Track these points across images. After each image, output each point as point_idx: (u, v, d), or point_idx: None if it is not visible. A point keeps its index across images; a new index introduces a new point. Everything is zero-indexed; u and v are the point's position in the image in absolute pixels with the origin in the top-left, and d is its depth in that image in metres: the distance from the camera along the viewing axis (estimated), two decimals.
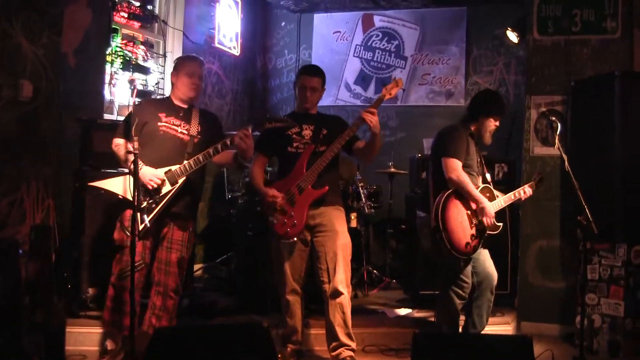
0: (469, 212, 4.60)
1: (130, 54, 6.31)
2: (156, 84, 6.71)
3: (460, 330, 4.86)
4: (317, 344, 5.02)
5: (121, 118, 5.74)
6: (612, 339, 5.21)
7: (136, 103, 4.40)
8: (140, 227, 4.21)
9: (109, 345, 4.46)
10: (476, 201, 4.59)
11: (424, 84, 8.66)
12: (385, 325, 5.49)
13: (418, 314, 5.77)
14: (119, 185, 4.35)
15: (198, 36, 7.54)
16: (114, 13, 6.08)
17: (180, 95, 4.55)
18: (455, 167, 4.53)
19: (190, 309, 5.40)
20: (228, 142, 4.27)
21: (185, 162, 4.32)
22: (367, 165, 6.09)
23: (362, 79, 8.92)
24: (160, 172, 4.29)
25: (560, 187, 5.87)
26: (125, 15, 6.37)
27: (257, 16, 9.15)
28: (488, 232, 4.66)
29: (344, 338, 4.56)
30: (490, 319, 4.98)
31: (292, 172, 4.55)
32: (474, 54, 8.48)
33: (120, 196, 4.34)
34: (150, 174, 4.25)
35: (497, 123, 4.76)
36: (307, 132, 4.66)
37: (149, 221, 4.24)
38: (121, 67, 6.13)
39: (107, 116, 5.99)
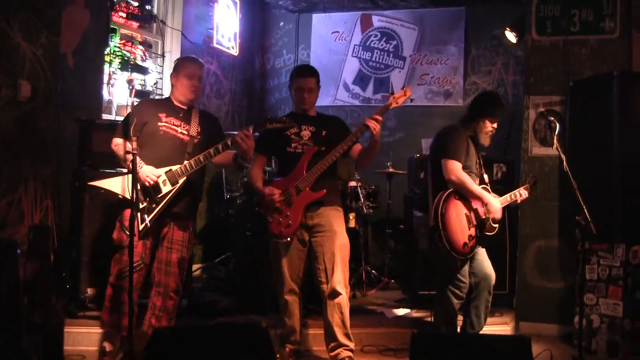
0: (467, 212, 4.60)
1: (128, 54, 6.31)
2: (154, 84, 6.70)
3: (458, 330, 4.86)
4: (315, 344, 5.02)
5: (120, 118, 5.74)
6: (611, 339, 5.21)
7: (135, 103, 4.41)
8: (141, 227, 4.21)
9: (107, 347, 4.45)
10: (480, 199, 4.60)
11: (423, 84, 8.66)
12: (384, 325, 5.49)
13: (416, 314, 5.77)
14: (118, 184, 4.35)
15: (196, 36, 7.54)
16: (113, 13, 6.08)
17: (179, 97, 4.55)
18: (455, 169, 4.53)
19: (188, 309, 5.40)
20: (229, 143, 4.27)
21: (186, 162, 4.32)
22: (364, 169, 6.08)
23: (361, 79, 8.92)
24: (159, 170, 4.29)
25: (559, 187, 5.88)
26: (124, 15, 6.37)
27: (256, 16, 9.15)
28: (485, 233, 4.67)
29: (342, 338, 4.56)
30: (489, 319, 4.98)
31: (291, 172, 4.55)
32: (473, 54, 8.48)
33: (120, 196, 4.34)
34: (149, 172, 4.25)
35: (495, 125, 4.75)
36: (306, 133, 4.66)
37: (150, 221, 4.24)
38: (119, 67, 6.13)
39: (105, 116, 5.99)
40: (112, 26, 6.05)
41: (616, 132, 5.32)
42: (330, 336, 4.59)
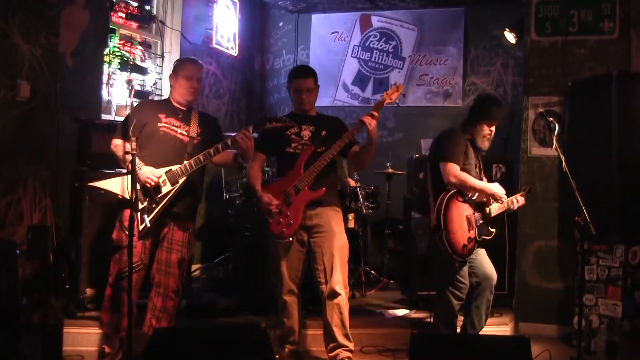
0: (468, 214, 4.61)
1: (127, 55, 6.31)
2: (154, 84, 6.70)
3: (458, 330, 4.86)
4: (314, 344, 5.02)
5: (119, 118, 5.75)
6: (610, 340, 5.21)
7: (135, 103, 4.41)
8: (141, 227, 4.20)
9: (107, 349, 4.45)
10: (483, 191, 4.61)
11: (422, 85, 8.66)
12: (383, 325, 5.49)
13: (416, 315, 5.77)
14: (118, 185, 4.35)
15: (196, 36, 7.54)
16: (112, 13, 6.07)
17: (178, 98, 4.55)
18: (453, 170, 4.53)
19: (188, 309, 5.40)
20: (229, 142, 4.27)
21: (186, 162, 4.32)
22: (363, 169, 6.08)
23: (360, 80, 8.92)
24: (159, 170, 4.29)
25: (558, 187, 5.88)
26: (123, 15, 6.37)
27: (255, 17, 9.15)
28: (482, 237, 4.68)
29: (341, 339, 4.55)
30: (488, 320, 4.97)
31: (290, 172, 4.55)
32: (472, 55, 8.48)
33: (119, 196, 4.34)
34: (148, 172, 4.24)
35: (492, 129, 4.75)
36: (306, 133, 4.66)
37: (150, 221, 4.24)
38: (119, 67, 6.13)
39: (104, 116, 5.99)
40: (111, 26, 6.05)
41: (615, 133, 5.32)
42: (329, 337, 4.59)
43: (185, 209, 4.47)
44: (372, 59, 8.88)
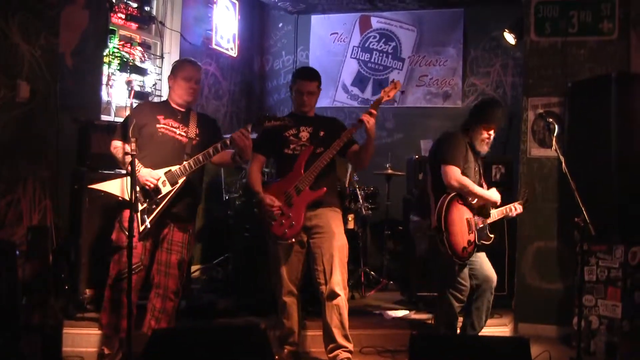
0: (468, 217, 4.61)
1: (127, 55, 6.31)
2: (153, 85, 6.70)
3: (458, 331, 4.86)
4: (314, 345, 5.02)
5: (118, 119, 5.74)
6: (610, 341, 5.21)
7: (134, 104, 4.40)
8: (141, 228, 4.20)
9: (106, 350, 4.45)
10: (481, 197, 4.61)
11: (422, 86, 8.67)
12: (383, 326, 5.49)
13: (415, 316, 5.77)
14: (117, 187, 4.35)
15: (195, 37, 7.54)
16: (112, 14, 6.07)
17: (176, 99, 4.55)
18: (454, 173, 4.52)
19: (187, 310, 5.39)
20: (227, 142, 4.27)
21: (185, 162, 4.32)
22: (363, 169, 6.08)
23: (360, 81, 8.92)
24: (158, 171, 4.29)
25: (558, 188, 5.88)
26: (123, 16, 6.37)
27: (255, 17, 9.15)
28: (481, 241, 4.68)
29: (341, 340, 4.55)
30: (488, 321, 4.97)
31: (289, 173, 4.55)
32: (471, 56, 8.49)
33: (119, 198, 4.34)
34: (148, 175, 4.25)
35: (491, 133, 4.73)
36: (305, 134, 4.66)
37: (149, 222, 4.24)
38: (118, 68, 6.13)
39: (104, 117, 5.99)
40: (111, 27, 6.05)
41: (615, 133, 5.32)
42: (328, 337, 4.58)
43: (185, 210, 4.47)
44: (372, 60, 8.88)
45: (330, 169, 4.62)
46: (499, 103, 5.18)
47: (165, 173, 4.31)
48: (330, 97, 8.88)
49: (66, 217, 5.29)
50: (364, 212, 6.59)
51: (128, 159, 3.96)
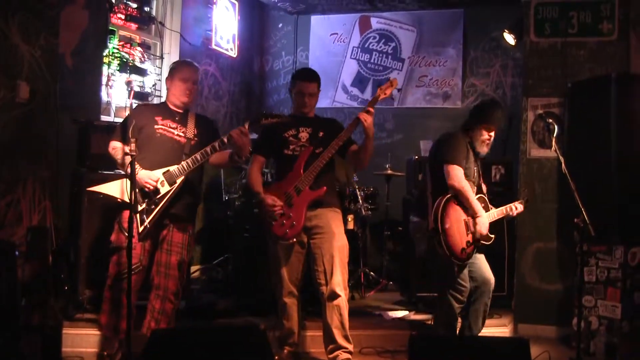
0: (466, 218, 4.60)
1: (127, 56, 6.31)
2: (153, 85, 6.70)
3: (457, 332, 4.86)
4: (314, 345, 5.02)
5: (118, 120, 5.74)
6: (609, 341, 5.21)
7: (134, 105, 4.40)
8: (141, 229, 4.20)
9: (106, 351, 4.45)
10: (474, 211, 4.60)
11: (421, 86, 8.67)
12: (382, 327, 5.49)
13: (415, 316, 5.77)
14: (116, 188, 4.35)
15: (195, 38, 7.54)
16: (111, 15, 6.06)
17: (174, 101, 4.56)
18: (457, 175, 4.52)
19: (187, 310, 5.39)
20: (225, 140, 4.27)
21: (183, 162, 4.32)
22: (363, 169, 6.09)
23: (359, 81, 8.92)
24: (156, 173, 4.29)
25: (557, 189, 5.88)
26: (123, 16, 6.36)
27: (254, 18, 9.15)
28: (481, 242, 4.68)
29: (341, 340, 4.55)
30: (487, 321, 4.97)
31: (289, 173, 4.55)
32: (471, 56, 8.49)
33: (118, 199, 4.33)
34: (146, 177, 4.25)
35: (491, 134, 4.73)
36: (304, 135, 4.66)
37: (149, 222, 4.24)
38: (118, 68, 6.12)
39: (104, 117, 5.99)
40: (110, 28, 6.05)
41: (614, 134, 5.32)
42: (329, 338, 4.58)
43: (185, 210, 4.47)
44: (372, 61, 8.88)
45: (329, 168, 4.62)
46: (499, 104, 5.17)
47: (164, 173, 4.31)
48: (330, 98, 8.88)
49: (66, 218, 5.29)
50: (363, 212, 6.59)
51: (128, 159, 3.96)
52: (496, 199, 4.93)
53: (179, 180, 4.32)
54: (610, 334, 5.20)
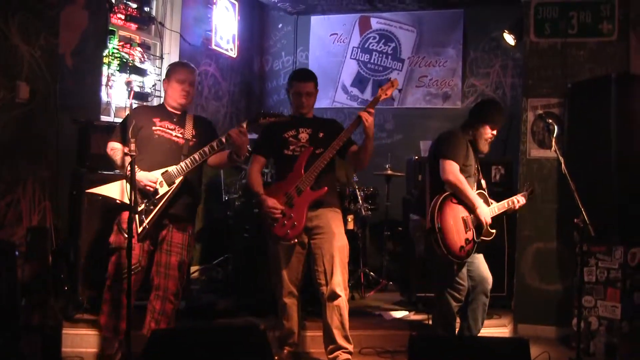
0: (464, 216, 4.60)
1: (127, 56, 6.30)
2: (153, 85, 6.70)
3: (456, 331, 4.86)
4: (313, 346, 5.02)
5: (118, 120, 5.74)
6: (609, 342, 5.21)
7: (134, 105, 4.40)
8: (140, 229, 4.20)
9: (105, 352, 4.45)
10: (472, 203, 4.60)
11: (421, 87, 8.67)
12: (382, 327, 5.49)
13: (415, 317, 5.77)
14: (115, 190, 4.34)
15: (195, 38, 7.54)
16: (111, 15, 6.06)
17: (171, 102, 4.56)
18: (453, 170, 4.53)
19: (187, 310, 5.39)
20: (223, 139, 4.28)
21: (182, 162, 4.32)
22: (363, 170, 6.09)
23: (359, 81, 8.91)
24: (155, 174, 4.29)
25: (557, 189, 5.88)
26: (122, 17, 6.36)
27: (254, 18, 9.15)
28: (482, 238, 4.67)
29: (341, 341, 4.55)
30: (487, 321, 4.98)
31: (290, 174, 4.55)
32: (471, 56, 8.49)
33: (117, 201, 4.33)
34: (145, 179, 4.25)
35: (494, 132, 4.75)
36: (304, 135, 4.66)
37: (148, 223, 4.24)
38: (118, 68, 6.12)
39: (104, 118, 5.99)
40: (110, 28, 6.05)
41: (614, 134, 5.33)
42: (329, 338, 4.58)
43: (184, 210, 4.47)
44: (371, 61, 8.88)
45: (329, 169, 4.62)
46: (500, 103, 5.20)
47: (162, 174, 4.31)
48: (330, 98, 8.88)
49: (65, 218, 5.29)
50: (363, 212, 6.59)
51: (127, 159, 3.96)
52: (496, 199, 4.92)
53: (177, 181, 4.33)
54: (610, 334, 5.21)
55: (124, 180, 4.27)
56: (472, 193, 4.60)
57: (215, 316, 5.46)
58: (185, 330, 4.07)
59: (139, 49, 6.55)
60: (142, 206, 4.26)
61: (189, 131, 4.51)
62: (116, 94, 6.20)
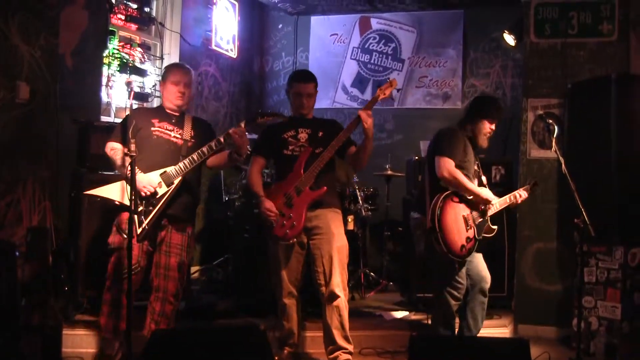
0: (465, 214, 4.60)
1: (127, 56, 6.31)
2: (153, 86, 6.69)
3: (456, 330, 4.85)
4: (313, 346, 5.02)
5: (118, 120, 5.74)
6: (609, 342, 5.21)
7: (134, 106, 4.40)
8: (139, 230, 4.20)
9: (105, 352, 4.45)
10: (472, 193, 4.59)
11: (421, 87, 8.67)
12: (382, 327, 5.49)
13: (415, 317, 5.77)
14: (115, 191, 4.33)
15: (195, 38, 7.54)
16: (111, 15, 6.06)
17: (168, 104, 4.57)
18: (447, 166, 4.50)
19: (187, 311, 5.39)
20: (221, 139, 4.28)
21: (180, 163, 4.32)
22: (362, 170, 6.08)
23: (359, 82, 8.92)
24: (155, 176, 4.29)
25: (557, 189, 5.88)
26: (123, 17, 6.36)
27: (254, 18, 9.15)
28: (483, 235, 4.67)
29: (341, 341, 4.55)
30: (487, 322, 4.98)
31: (289, 174, 4.55)
32: (471, 57, 8.49)
33: (117, 202, 4.32)
34: (145, 181, 4.25)
35: (493, 127, 4.75)
36: (303, 136, 4.66)
37: (147, 223, 4.24)
38: (118, 69, 6.12)
39: (104, 118, 5.99)
40: (110, 28, 6.05)
41: (614, 134, 5.32)
42: (329, 339, 4.58)
43: (183, 211, 4.47)
44: (372, 61, 8.88)
45: (329, 169, 4.62)
46: (496, 98, 5.21)
47: (161, 174, 4.31)
48: (330, 98, 8.88)
49: (65, 218, 5.29)
50: (363, 213, 6.59)
51: (128, 160, 3.95)
52: None
53: (176, 181, 4.33)
54: (610, 334, 5.20)
55: (123, 181, 4.27)
56: (470, 183, 4.59)
57: (216, 316, 5.46)
58: (186, 331, 4.08)
59: (139, 49, 6.55)
60: (141, 207, 4.25)
61: (188, 132, 4.51)
62: (116, 94, 6.20)
